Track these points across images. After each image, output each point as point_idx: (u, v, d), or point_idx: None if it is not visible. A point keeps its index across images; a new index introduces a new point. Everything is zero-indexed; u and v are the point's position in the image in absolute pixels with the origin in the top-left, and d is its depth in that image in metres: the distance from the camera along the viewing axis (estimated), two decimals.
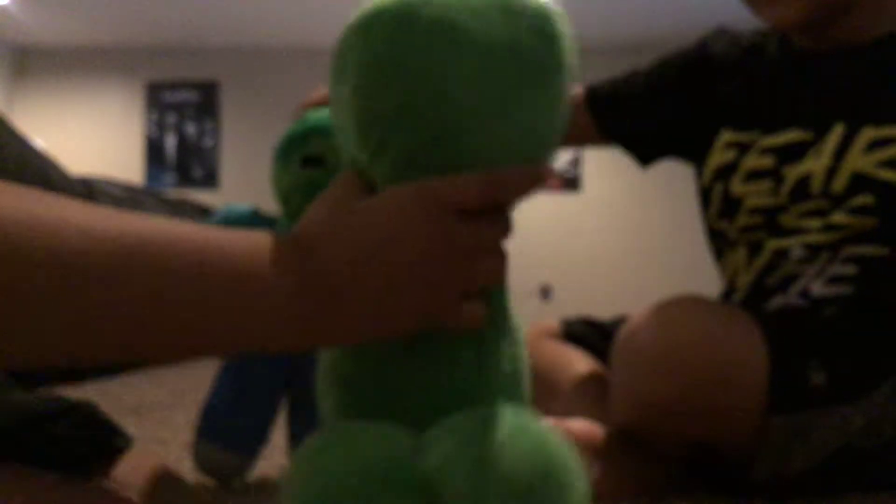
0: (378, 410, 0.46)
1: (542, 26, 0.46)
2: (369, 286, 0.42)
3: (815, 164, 0.93)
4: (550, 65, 0.46)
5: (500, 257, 0.46)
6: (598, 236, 5.79)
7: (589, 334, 1.17)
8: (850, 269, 0.91)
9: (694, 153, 1.09)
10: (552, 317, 1.26)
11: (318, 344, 0.44)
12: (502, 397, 0.47)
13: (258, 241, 0.43)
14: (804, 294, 0.93)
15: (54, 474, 0.51)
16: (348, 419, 0.47)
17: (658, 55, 1.16)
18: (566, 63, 0.47)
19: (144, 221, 0.40)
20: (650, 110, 1.12)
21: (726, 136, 1.02)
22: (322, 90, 1.03)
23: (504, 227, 0.46)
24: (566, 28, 0.48)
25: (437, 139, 0.44)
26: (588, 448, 0.89)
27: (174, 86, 6.04)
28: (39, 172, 1.30)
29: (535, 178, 0.46)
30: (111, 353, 0.39)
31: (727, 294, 1.04)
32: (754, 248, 0.98)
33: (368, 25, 0.45)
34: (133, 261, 0.38)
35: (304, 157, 0.95)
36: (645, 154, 1.16)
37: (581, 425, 0.91)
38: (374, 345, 0.47)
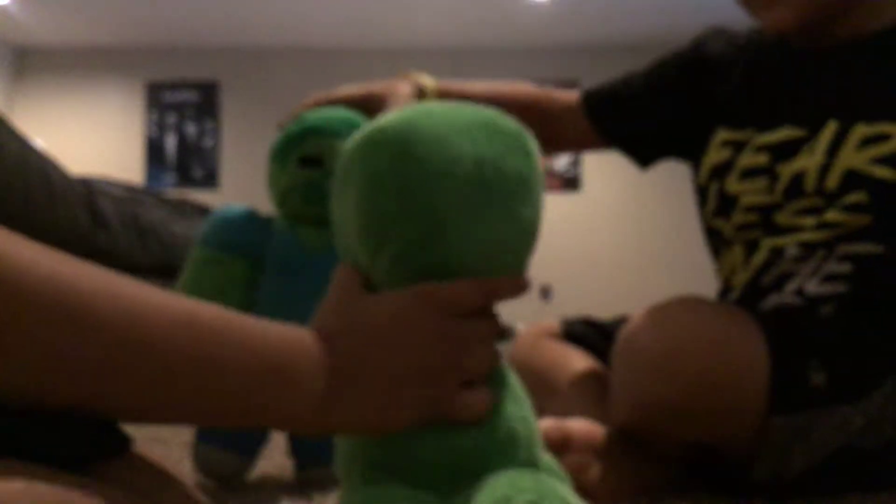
0: (397, 475, 0.50)
1: (521, 145, 0.53)
2: (381, 375, 0.48)
3: (808, 162, 0.93)
4: (531, 179, 0.53)
5: (490, 347, 0.52)
6: (597, 236, 5.79)
7: (589, 334, 1.18)
8: (844, 268, 0.91)
9: (692, 152, 1.09)
10: (552, 317, 1.26)
11: (336, 430, 0.49)
12: (519, 456, 0.51)
13: (287, 331, 0.47)
14: (799, 293, 0.93)
15: (53, 471, 0.51)
16: (371, 483, 0.50)
17: (657, 55, 1.16)
18: (539, 177, 0.54)
19: (191, 302, 0.44)
20: (649, 111, 1.12)
21: (722, 134, 1.03)
22: (315, 97, 1.03)
23: (492, 322, 0.53)
24: (535, 146, 0.55)
25: (428, 242, 0.50)
26: (588, 448, 0.89)
27: (174, 86, 6.04)
28: (40, 172, 1.30)
29: (521, 288, 0.53)
30: (144, 417, 0.43)
31: (723, 293, 1.04)
32: (751, 247, 0.98)
33: (373, 140, 0.52)
34: (188, 337, 0.42)
35: (301, 158, 0.95)
36: (645, 155, 1.16)
37: (581, 425, 0.91)
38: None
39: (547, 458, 0.55)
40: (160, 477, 0.64)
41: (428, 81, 1.07)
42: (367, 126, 0.54)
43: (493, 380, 0.53)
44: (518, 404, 0.54)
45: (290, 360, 0.45)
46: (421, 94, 1.05)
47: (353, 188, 0.53)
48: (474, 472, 0.49)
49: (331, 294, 0.52)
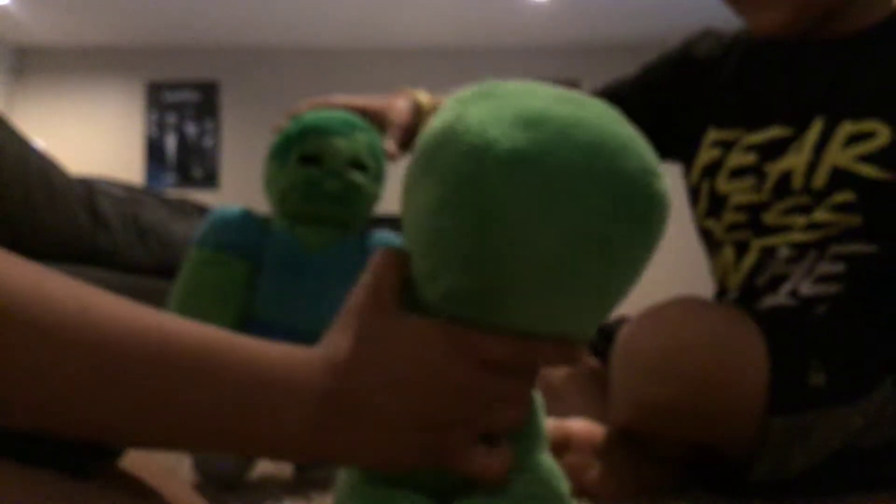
0: (398, 478, 0.47)
1: (650, 218, 0.42)
2: (388, 415, 0.44)
3: (795, 160, 0.93)
4: (640, 258, 0.43)
5: (521, 408, 0.46)
6: None
7: None
8: (838, 268, 0.91)
9: (684, 153, 1.10)
10: None
11: (329, 460, 0.46)
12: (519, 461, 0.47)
13: (290, 353, 0.45)
14: (793, 294, 0.93)
15: (53, 473, 0.51)
16: (369, 483, 0.47)
17: (657, 56, 1.16)
18: (653, 252, 0.44)
19: (189, 324, 0.43)
20: (640, 114, 1.12)
21: (712, 134, 1.03)
22: (311, 101, 1.04)
23: (529, 381, 0.47)
24: (667, 211, 0.44)
25: (489, 291, 0.42)
26: (588, 448, 0.89)
27: (174, 86, 6.05)
28: (40, 172, 1.30)
29: (569, 358, 0.46)
30: (136, 440, 0.42)
31: (718, 296, 1.05)
32: (741, 248, 0.99)
33: (477, 152, 0.41)
34: (187, 356, 0.41)
35: (301, 156, 0.94)
36: None
37: (581, 425, 0.91)
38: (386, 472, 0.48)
39: (548, 459, 0.52)
40: (159, 478, 0.64)
41: (424, 98, 1.08)
42: (473, 116, 0.42)
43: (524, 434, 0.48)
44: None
45: (290, 385, 0.43)
46: (418, 109, 1.06)
47: (426, 185, 0.44)
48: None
49: (362, 294, 0.47)
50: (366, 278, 0.47)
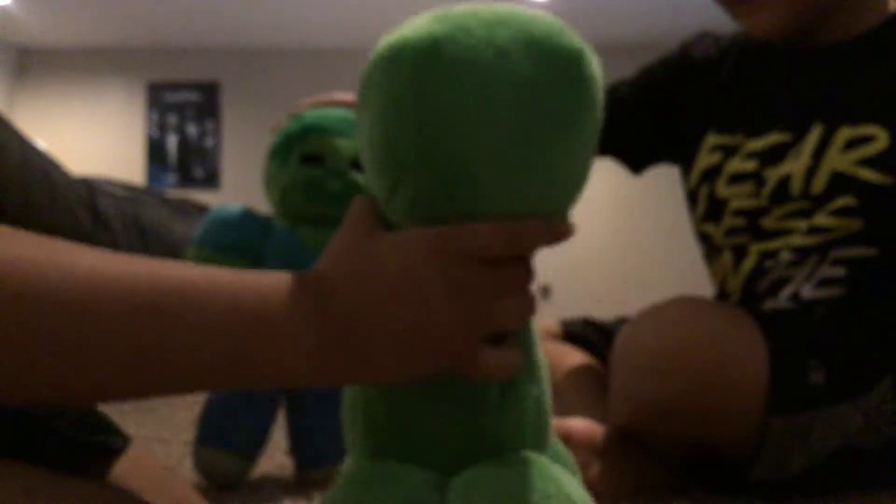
0: (402, 451, 0.46)
1: (570, 68, 0.43)
2: (387, 328, 0.43)
3: (794, 166, 0.93)
4: (578, 113, 0.44)
5: (522, 299, 0.45)
6: (598, 236, 5.79)
7: (589, 335, 1.18)
8: (839, 271, 0.91)
9: (683, 157, 1.10)
10: (552, 317, 1.26)
11: (336, 382, 0.45)
12: (527, 442, 0.47)
13: (280, 281, 0.44)
14: (795, 298, 0.93)
15: (52, 472, 0.51)
16: (374, 458, 0.47)
17: (657, 55, 1.16)
18: (596, 111, 0.45)
19: (178, 266, 0.43)
20: (638, 119, 1.13)
21: (711, 138, 1.03)
22: (311, 100, 1.04)
23: (524, 270, 0.46)
24: (597, 70, 0.46)
25: (452, 183, 0.43)
26: (588, 447, 0.89)
27: (175, 86, 6.04)
28: (41, 172, 1.30)
29: (557, 235, 0.45)
30: (136, 389, 0.42)
31: (719, 298, 1.05)
32: (739, 253, 0.99)
33: (391, 59, 0.43)
34: (174, 299, 0.41)
35: (302, 156, 0.94)
36: (636, 162, 1.17)
37: (581, 424, 0.91)
38: (397, 387, 0.47)
39: (559, 446, 0.52)
40: (159, 478, 0.64)
41: None
42: (391, 35, 0.45)
43: (523, 340, 0.47)
44: (538, 384, 0.48)
45: (283, 312, 0.43)
46: None
47: (368, 113, 0.45)
48: (483, 454, 0.45)
49: (342, 231, 0.47)
50: (347, 218, 0.48)
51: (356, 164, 0.95)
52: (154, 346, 0.40)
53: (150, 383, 0.42)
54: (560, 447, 0.52)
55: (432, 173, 0.43)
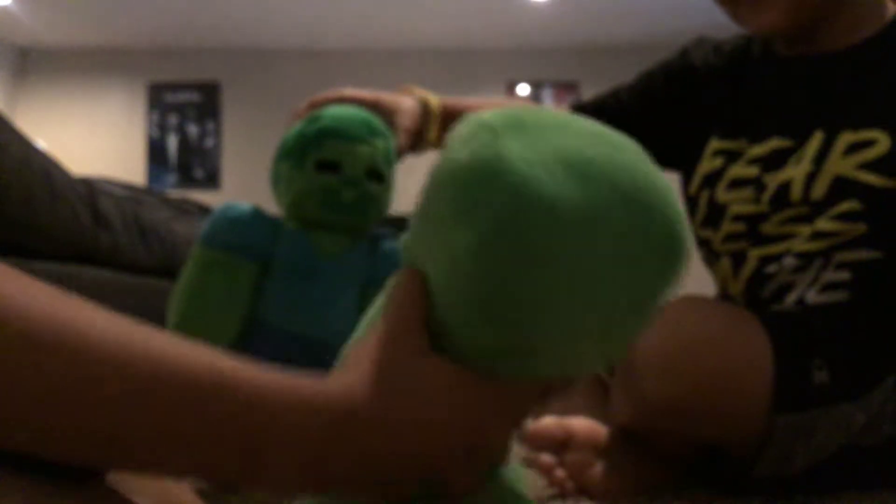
0: None
1: (683, 264, 0.42)
2: (400, 451, 0.42)
3: (795, 171, 0.93)
4: (665, 291, 0.42)
5: (516, 430, 0.46)
6: None
7: None
8: (843, 275, 0.91)
9: (683, 162, 1.09)
10: None
11: (316, 491, 0.43)
12: None
13: (298, 384, 0.41)
14: (800, 303, 0.93)
15: (51, 476, 0.51)
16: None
17: (659, 56, 1.16)
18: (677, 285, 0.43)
19: (180, 349, 0.40)
20: (639, 124, 1.13)
21: (714, 143, 1.03)
22: (324, 95, 1.03)
23: (527, 412, 0.46)
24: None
25: (516, 348, 0.41)
26: (590, 447, 0.89)
27: (176, 87, 6.05)
28: (42, 173, 1.30)
29: (569, 387, 0.46)
30: (129, 468, 0.40)
31: (723, 300, 1.05)
32: (737, 259, 0.99)
33: (525, 191, 0.39)
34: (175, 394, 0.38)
35: (318, 161, 0.91)
36: None
37: (583, 424, 0.91)
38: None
39: (514, 472, 0.51)
40: (159, 485, 0.64)
41: (431, 98, 1.07)
42: (521, 147, 0.40)
43: None
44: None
45: (286, 421, 0.40)
46: (426, 110, 1.06)
47: (469, 222, 0.40)
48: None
49: (384, 328, 0.44)
50: (390, 310, 0.45)
51: (371, 173, 0.93)
52: (154, 432, 0.38)
53: (148, 463, 0.39)
54: (518, 471, 0.51)
55: (507, 331, 0.40)
